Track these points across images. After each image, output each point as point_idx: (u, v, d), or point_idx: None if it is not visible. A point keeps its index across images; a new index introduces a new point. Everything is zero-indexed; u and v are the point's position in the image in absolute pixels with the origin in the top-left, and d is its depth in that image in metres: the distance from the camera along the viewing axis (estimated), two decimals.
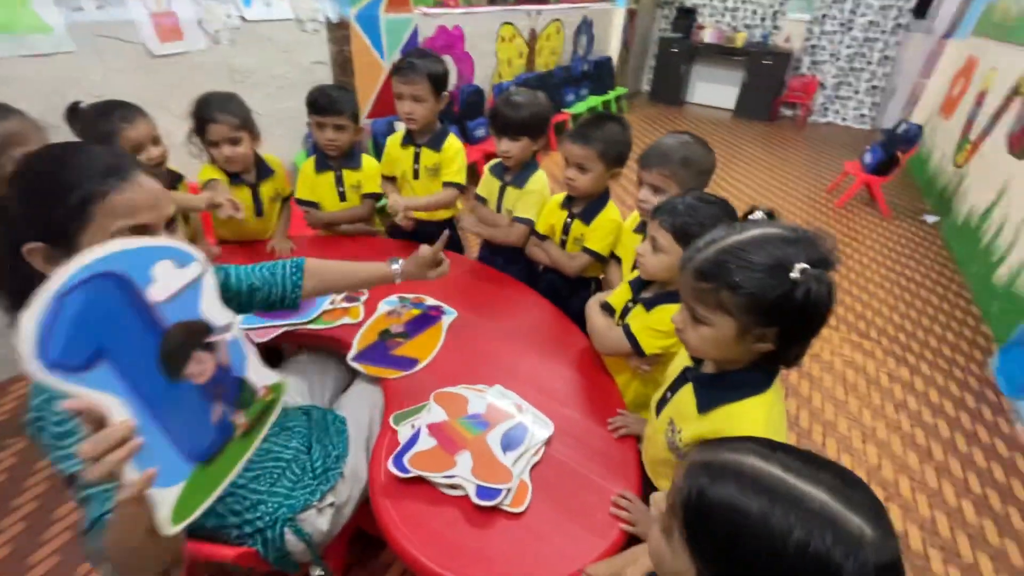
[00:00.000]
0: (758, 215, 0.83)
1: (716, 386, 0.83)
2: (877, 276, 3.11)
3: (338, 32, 2.80)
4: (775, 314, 0.71)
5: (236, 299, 1.02)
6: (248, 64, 2.48)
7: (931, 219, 3.89)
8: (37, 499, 1.52)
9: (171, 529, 0.59)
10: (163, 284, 0.63)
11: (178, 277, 0.65)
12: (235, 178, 1.64)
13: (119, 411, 0.55)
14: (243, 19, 2.38)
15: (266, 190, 1.70)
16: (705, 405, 0.83)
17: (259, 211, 1.70)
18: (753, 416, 0.77)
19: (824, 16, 6.20)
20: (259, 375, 0.79)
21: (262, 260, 1.57)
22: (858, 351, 2.44)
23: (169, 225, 0.79)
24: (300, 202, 1.79)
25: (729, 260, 0.72)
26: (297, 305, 1.10)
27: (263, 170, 1.70)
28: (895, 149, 3.76)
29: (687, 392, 0.87)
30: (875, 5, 5.92)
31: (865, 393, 2.19)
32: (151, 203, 0.75)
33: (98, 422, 0.53)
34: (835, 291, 0.71)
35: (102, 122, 1.35)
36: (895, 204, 4.17)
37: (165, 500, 0.60)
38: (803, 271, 0.68)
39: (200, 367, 0.68)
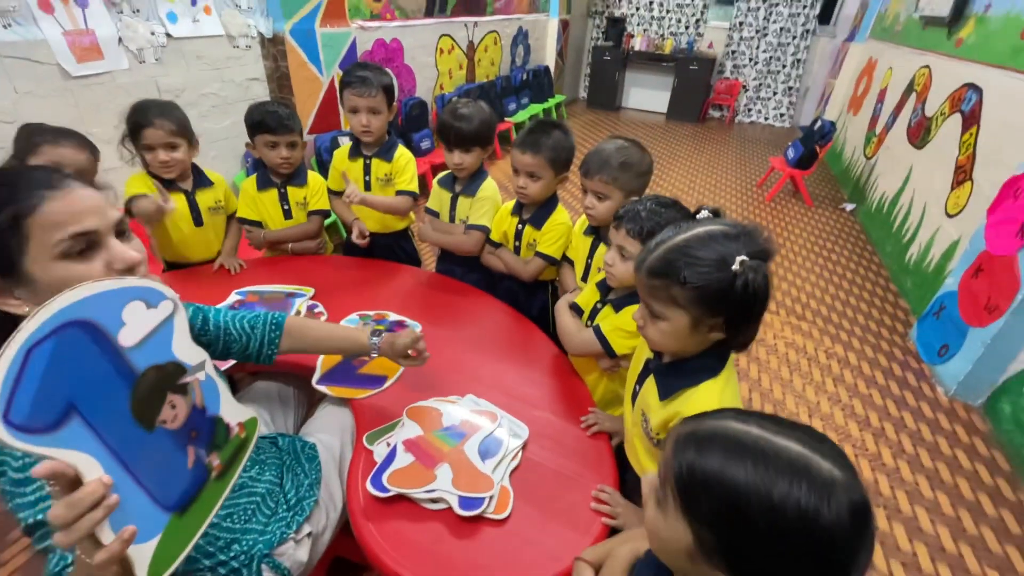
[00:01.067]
0: (704, 213, 0.90)
1: (673, 374, 0.88)
2: (808, 262, 3.35)
3: (273, 48, 2.72)
4: (720, 304, 0.77)
5: (211, 348, 0.97)
6: (177, 83, 2.36)
7: (849, 207, 4.24)
8: None
9: None
10: (134, 327, 0.60)
11: (149, 318, 0.63)
12: (170, 184, 1.56)
13: (92, 469, 0.52)
14: (169, 36, 2.27)
15: (203, 199, 1.63)
16: (665, 393, 0.88)
17: (197, 220, 1.63)
18: (708, 397, 0.83)
19: (741, 23, 6.65)
20: (232, 412, 0.77)
21: (211, 284, 1.54)
22: (798, 333, 2.62)
23: (121, 235, 0.73)
24: (242, 221, 1.72)
25: (677, 258, 0.78)
26: (271, 362, 1.05)
27: (201, 179, 1.64)
28: (813, 144, 4.08)
29: (650, 382, 0.92)
30: (785, 12, 6.42)
31: (807, 371, 2.36)
32: (92, 208, 0.69)
33: (70, 484, 0.50)
34: (771, 280, 0.78)
35: (35, 137, 1.28)
36: (817, 195, 4.51)
37: (143, 555, 0.57)
38: (742, 263, 0.74)
39: (173, 412, 0.65)
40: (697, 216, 0.91)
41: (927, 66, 3.53)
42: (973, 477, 1.85)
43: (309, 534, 0.96)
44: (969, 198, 2.57)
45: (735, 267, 0.74)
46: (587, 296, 1.29)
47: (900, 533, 1.64)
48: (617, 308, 1.18)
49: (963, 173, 2.69)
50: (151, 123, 1.45)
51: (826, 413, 2.12)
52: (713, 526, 0.48)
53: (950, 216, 2.71)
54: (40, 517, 0.64)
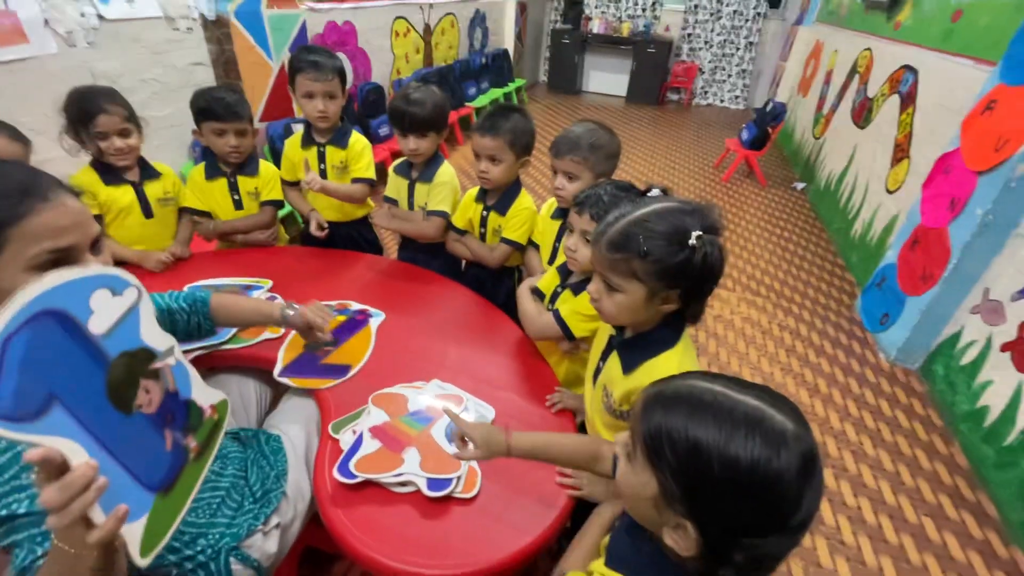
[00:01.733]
0: (655, 192, 0.93)
1: (635, 348, 0.92)
2: (762, 240, 3.49)
3: (217, 30, 2.59)
4: (679, 277, 0.80)
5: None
6: (113, 68, 2.23)
7: (800, 186, 4.42)
8: None
9: (144, 561, 0.60)
10: (102, 315, 0.61)
11: (116, 306, 0.64)
12: (116, 177, 1.51)
13: (78, 454, 0.53)
14: (101, 18, 2.13)
15: (152, 191, 1.57)
16: (628, 366, 0.91)
17: (147, 213, 1.57)
18: (668, 366, 0.87)
19: (696, 6, 6.75)
20: (203, 395, 0.80)
21: (165, 279, 1.49)
22: (752, 307, 2.74)
23: (95, 245, 0.73)
24: (189, 211, 1.66)
25: (638, 232, 0.80)
26: (214, 332, 1.11)
27: (148, 171, 1.57)
28: (766, 125, 4.22)
29: (614, 358, 0.95)
30: None
31: (761, 343, 2.47)
32: (76, 223, 0.69)
33: (58, 470, 0.50)
34: (726, 254, 0.81)
35: None
36: (771, 175, 4.68)
37: (133, 534, 0.60)
38: (699, 237, 0.77)
39: (148, 396, 0.67)
40: (648, 194, 0.93)
41: (869, 49, 3.69)
42: (911, 435, 2.00)
43: (277, 525, 0.95)
44: (907, 175, 2.72)
45: (692, 241, 0.77)
46: (548, 280, 1.32)
47: (846, 489, 1.76)
48: (576, 292, 1.20)
49: (901, 151, 2.85)
50: (104, 109, 1.39)
51: (779, 383, 2.23)
52: (676, 475, 0.51)
53: (890, 192, 2.87)
54: (3, 512, 0.62)
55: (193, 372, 0.79)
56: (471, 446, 0.85)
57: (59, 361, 0.55)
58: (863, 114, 3.53)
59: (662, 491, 0.53)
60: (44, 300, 0.53)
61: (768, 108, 4.30)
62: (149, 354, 0.69)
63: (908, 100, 2.90)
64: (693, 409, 0.52)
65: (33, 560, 0.62)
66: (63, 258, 0.69)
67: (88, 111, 1.39)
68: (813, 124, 4.70)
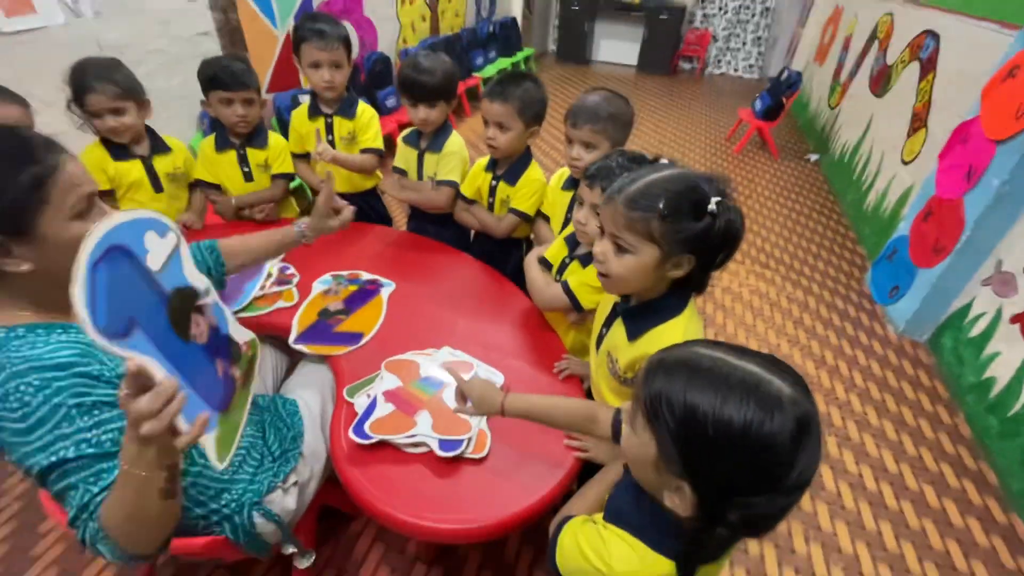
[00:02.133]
0: (665, 161, 0.91)
1: (640, 315, 0.92)
2: (773, 212, 3.45)
3: None
4: (696, 242, 0.79)
5: None
6: (120, 39, 2.21)
7: (813, 157, 4.33)
8: None
9: (222, 465, 0.73)
10: (155, 254, 0.68)
11: (163, 246, 0.70)
12: (125, 152, 1.51)
13: (158, 371, 0.60)
14: None
15: (161, 165, 1.58)
16: (633, 333, 0.92)
17: (157, 187, 1.58)
18: (673, 334, 0.87)
19: None
20: (238, 333, 0.88)
21: None
22: (761, 280, 2.73)
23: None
24: (200, 184, 1.67)
25: (659, 192, 0.79)
26: (223, 284, 1.12)
27: (158, 144, 1.58)
28: (780, 95, 4.11)
29: (619, 325, 0.96)
30: None
31: (769, 316, 2.47)
32: (86, 173, 0.75)
33: (144, 385, 0.57)
34: (744, 222, 0.80)
35: None
36: (783, 146, 4.59)
37: (209, 443, 0.71)
38: (719, 203, 0.77)
39: (199, 329, 0.75)
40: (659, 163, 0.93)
41: (890, 13, 3.56)
42: (915, 406, 2.01)
43: (295, 483, 1.00)
44: (923, 145, 2.66)
45: (712, 207, 0.76)
46: (556, 250, 1.32)
47: (848, 457, 1.79)
48: (584, 263, 1.21)
49: (919, 121, 2.78)
50: (92, 88, 1.37)
51: (786, 354, 2.24)
52: (673, 437, 0.53)
53: (905, 163, 2.82)
54: (54, 459, 0.66)
55: (228, 312, 0.86)
56: (469, 403, 0.89)
57: (132, 291, 0.63)
58: (881, 82, 3.43)
59: (661, 453, 0.55)
60: (113, 236, 0.60)
61: (783, 77, 4.19)
62: (193, 292, 0.76)
63: (928, 67, 2.82)
64: (692, 374, 0.54)
65: (92, 497, 0.67)
66: (90, 206, 0.75)
67: (80, 88, 1.37)
68: (829, 93, 4.57)
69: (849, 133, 3.80)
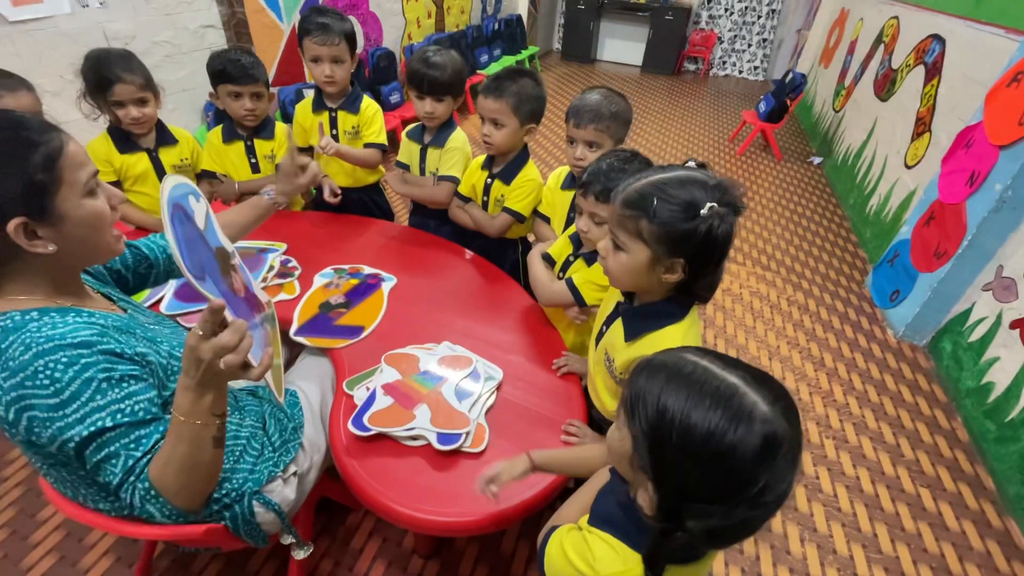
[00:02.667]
0: (691, 164, 0.89)
1: (640, 317, 0.93)
2: (775, 215, 3.45)
3: None
4: (682, 245, 0.79)
5: (158, 270, 1.07)
6: (126, 30, 2.22)
7: (816, 160, 4.33)
8: None
9: (283, 399, 0.89)
10: (199, 215, 0.76)
11: (201, 209, 0.78)
12: (131, 144, 1.53)
13: (228, 313, 0.67)
14: None
15: (168, 157, 1.59)
16: (631, 334, 0.92)
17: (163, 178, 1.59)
18: (669, 340, 0.87)
19: None
20: (260, 294, 0.98)
21: None
22: (762, 282, 2.74)
23: None
24: (206, 174, 1.68)
25: (653, 193, 0.80)
26: None
27: (164, 136, 1.59)
28: (784, 97, 4.11)
29: (618, 324, 0.97)
30: None
31: (769, 317, 2.48)
32: (85, 152, 0.76)
33: (222, 320, 0.65)
34: (735, 231, 0.80)
35: None
36: (787, 148, 4.59)
37: (269, 378, 0.79)
38: (711, 208, 0.77)
39: (237, 284, 0.83)
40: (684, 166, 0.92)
41: (896, 16, 3.55)
42: (913, 409, 2.02)
43: (295, 473, 1.00)
44: (927, 149, 2.66)
45: (704, 212, 0.76)
46: (560, 247, 1.32)
47: (846, 460, 1.79)
48: (590, 262, 1.21)
49: (923, 125, 2.77)
50: (120, 78, 1.39)
51: (785, 355, 2.25)
52: (644, 435, 0.54)
53: (908, 167, 2.81)
54: (92, 429, 0.68)
55: (249, 273, 0.95)
56: (494, 486, 0.83)
57: (195, 244, 0.71)
58: (886, 85, 3.42)
59: (634, 451, 0.56)
60: (174, 196, 0.69)
61: (788, 79, 4.18)
62: (227, 251, 0.84)
63: (933, 71, 2.81)
64: (671, 377, 0.55)
65: (135, 461, 0.71)
66: (98, 183, 0.76)
67: (105, 78, 1.39)
68: (833, 96, 4.57)
69: (853, 136, 3.80)
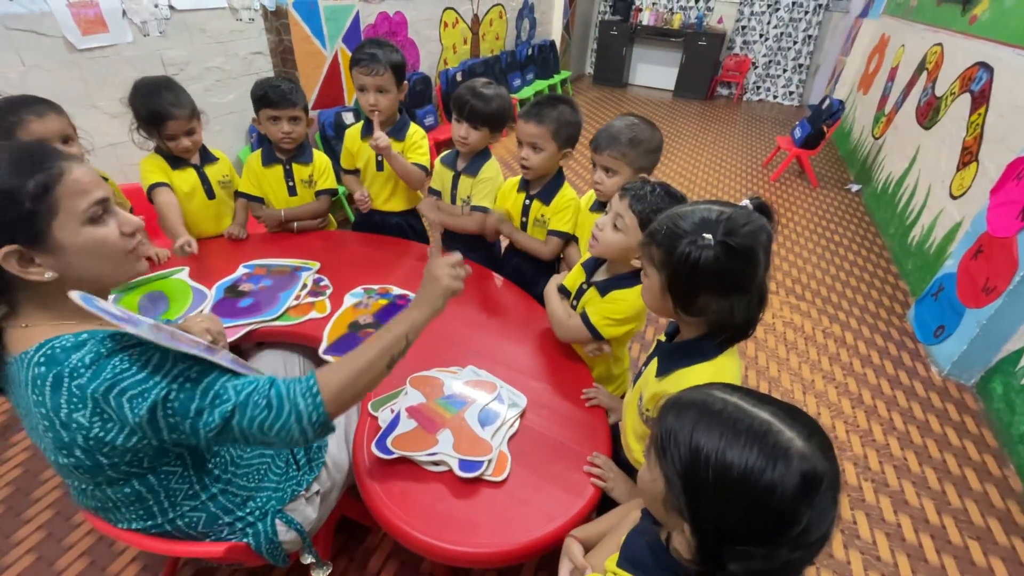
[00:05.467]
0: (745, 203, 0.86)
1: (673, 354, 0.91)
2: (810, 243, 3.36)
3: (276, 21, 2.70)
4: (666, 264, 0.82)
5: None
6: (181, 56, 2.36)
7: (854, 187, 4.21)
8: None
9: None
10: (113, 312, 0.73)
11: (108, 306, 0.73)
12: (180, 162, 1.62)
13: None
14: (172, 8, 2.26)
15: (213, 173, 1.68)
16: (662, 371, 0.91)
17: (210, 194, 1.68)
18: (698, 377, 0.85)
19: None
20: (200, 339, 0.95)
21: (222, 257, 1.58)
22: (796, 312, 2.65)
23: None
24: (243, 195, 1.75)
25: (665, 222, 0.83)
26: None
27: (207, 155, 1.68)
28: (821, 123, 4.03)
29: (653, 363, 0.95)
30: None
31: (803, 349, 2.39)
32: (97, 179, 0.74)
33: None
34: (738, 268, 0.77)
35: (7, 113, 1.25)
36: (823, 175, 4.48)
37: None
38: (702, 238, 0.77)
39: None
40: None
41: (940, 44, 3.46)
42: (961, 453, 1.90)
43: (317, 492, 1.01)
44: (974, 180, 2.56)
45: (700, 240, 0.77)
46: (573, 276, 1.32)
47: (886, 505, 1.70)
48: (603, 292, 1.20)
49: (969, 154, 2.67)
50: (172, 115, 1.49)
51: (820, 390, 2.16)
52: (678, 476, 0.53)
53: (954, 198, 2.71)
54: (181, 380, 0.71)
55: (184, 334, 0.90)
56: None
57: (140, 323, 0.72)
58: (929, 113, 3.32)
59: (668, 492, 0.54)
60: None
61: (825, 105, 4.11)
62: (158, 324, 0.81)
63: (980, 99, 2.72)
64: (701, 415, 0.54)
65: (244, 383, 0.73)
66: (106, 210, 0.74)
67: (158, 114, 1.48)
68: (873, 123, 4.46)
69: (893, 164, 3.68)
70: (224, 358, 0.78)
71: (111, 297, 1.18)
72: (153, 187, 1.57)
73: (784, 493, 0.48)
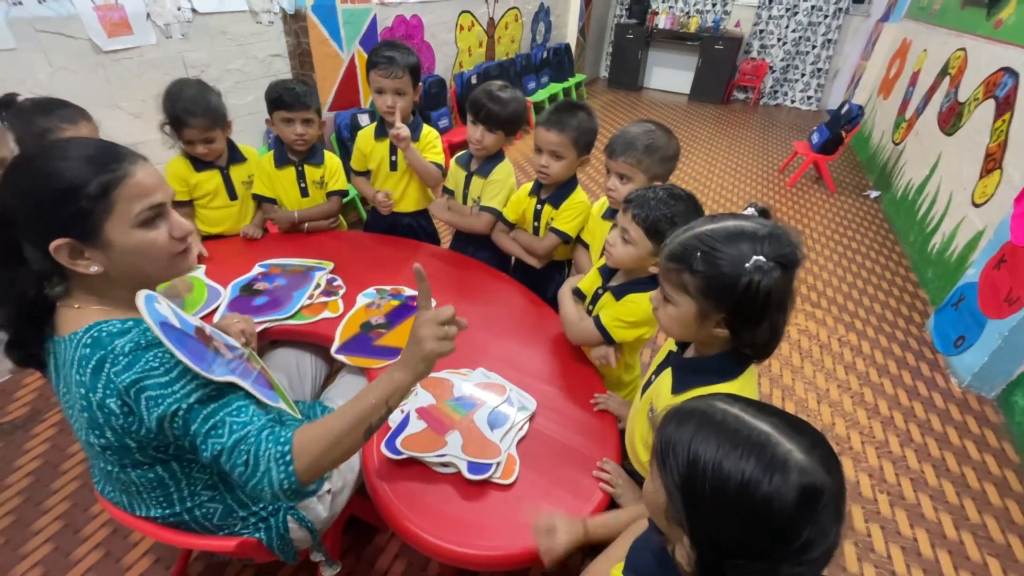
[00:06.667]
0: (750, 211, 0.85)
1: (691, 370, 0.89)
2: (827, 250, 3.31)
3: (295, 24, 2.74)
4: (722, 299, 0.76)
5: None
6: (202, 58, 2.41)
7: (873, 194, 4.14)
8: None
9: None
10: (171, 316, 0.78)
11: (167, 309, 0.78)
12: (205, 163, 1.65)
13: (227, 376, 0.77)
14: (195, 11, 2.30)
15: (237, 175, 1.71)
16: (679, 387, 0.88)
17: (232, 195, 1.72)
18: None
19: (770, 1, 6.42)
20: (231, 341, 0.96)
21: (238, 256, 1.61)
22: (811, 320, 2.61)
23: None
24: (257, 197, 1.78)
25: (697, 246, 0.78)
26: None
27: (234, 154, 1.71)
28: (840, 129, 3.97)
29: (667, 375, 0.93)
30: None
31: (818, 358, 2.36)
32: (159, 182, 0.77)
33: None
34: (789, 287, 0.75)
35: (40, 118, 1.29)
36: (841, 181, 4.42)
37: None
38: (757, 262, 0.73)
39: (220, 348, 0.85)
40: (743, 212, 0.88)
41: (963, 48, 3.40)
42: (980, 467, 1.85)
43: (329, 491, 1.02)
44: (997, 187, 2.50)
45: (748, 265, 0.73)
46: (590, 280, 1.32)
47: (902, 518, 1.66)
48: (617, 295, 1.19)
49: (993, 161, 2.62)
50: (188, 124, 1.53)
51: (835, 400, 2.12)
52: (677, 487, 0.52)
53: (976, 206, 2.65)
54: (197, 395, 0.73)
55: (218, 332, 0.93)
56: (554, 536, 0.83)
57: (185, 342, 0.75)
58: (951, 119, 3.26)
59: (668, 503, 0.54)
60: (156, 319, 0.71)
61: (843, 110, 4.05)
62: (201, 329, 0.85)
63: (1005, 106, 2.66)
64: (701, 425, 0.53)
65: (243, 428, 0.73)
66: (158, 215, 0.77)
67: (179, 119, 1.53)
68: (893, 128, 4.38)
69: (914, 171, 3.62)
70: (252, 375, 0.81)
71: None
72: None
73: (782, 506, 0.47)
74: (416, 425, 1.04)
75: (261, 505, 0.90)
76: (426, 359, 0.77)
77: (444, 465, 0.98)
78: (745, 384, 0.84)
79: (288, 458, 0.71)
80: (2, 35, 1.75)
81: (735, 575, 0.49)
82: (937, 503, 1.72)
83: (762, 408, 0.55)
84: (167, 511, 0.84)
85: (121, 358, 0.69)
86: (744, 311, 0.76)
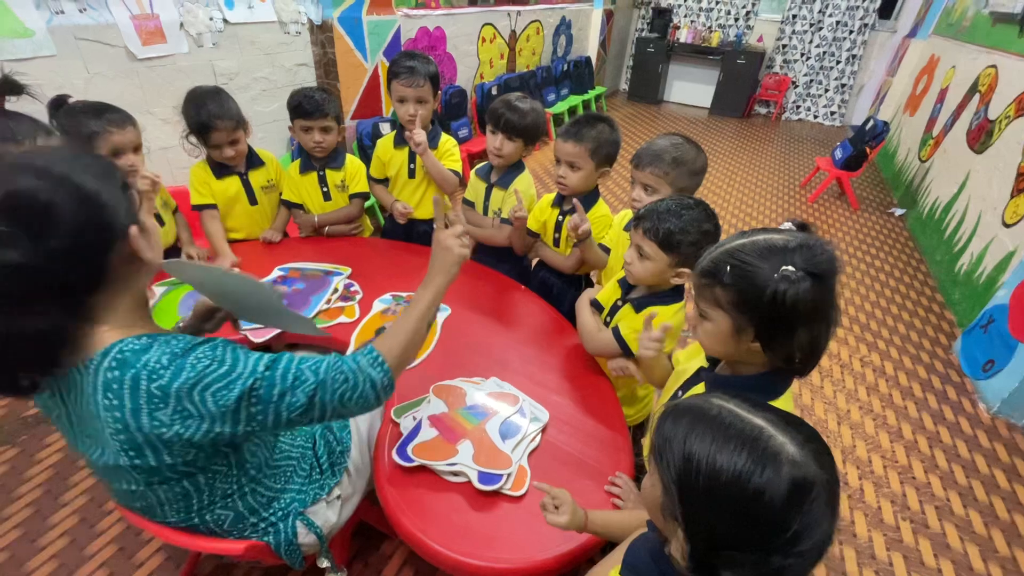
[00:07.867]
0: (787, 225, 0.82)
1: (728, 388, 0.84)
2: (849, 267, 3.24)
3: (321, 34, 2.80)
4: (753, 310, 0.74)
5: None
6: (231, 67, 2.47)
7: (898, 211, 4.05)
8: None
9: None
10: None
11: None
12: (226, 170, 1.68)
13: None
14: (226, 21, 2.38)
15: (256, 179, 1.74)
16: None
17: (252, 200, 1.75)
18: None
19: (794, 16, 6.39)
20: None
21: (257, 259, 1.64)
22: (832, 339, 2.55)
23: None
24: (285, 203, 1.82)
25: (728, 261, 0.77)
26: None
27: (253, 160, 1.74)
28: (864, 145, 3.91)
29: (699, 390, 0.90)
30: (842, 5, 6.12)
31: (839, 378, 2.30)
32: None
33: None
34: (823, 297, 0.72)
35: (91, 121, 1.34)
36: (864, 198, 4.34)
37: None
38: (786, 271, 0.71)
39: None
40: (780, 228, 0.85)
41: (994, 66, 3.33)
42: (1010, 498, 1.78)
43: (338, 497, 1.02)
44: None
45: (776, 275, 0.71)
46: (608, 292, 1.31)
47: (926, 548, 1.60)
48: (637, 308, 1.18)
49: None
50: (215, 127, 1.56)
51: (856, 421, 2.07)
52: (673, 481, 0.53)
53: (1007, 226, 2.57)
54: (266, 360, 0.75)
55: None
56: (559, 513, 0.84)
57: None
58: (981, 137, 3.18)
59: (665, 499, 0.55)
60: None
61: (868, 126, 3.99)
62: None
63: None
64: (695, 421, 0.54)
65: (318, 361, 0.78)
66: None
67: (204, 124, 1.55)
68: (920, 146, 4.30)
69: (941, 188, 3.54)
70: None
71: (158, 291, 1.33)
72: (200, 207, 1.68)
73: (772, 499, 0.48)
74: (428, 433, 1.04)
75: (272, 511, 0.90)
76: (457, 261, 0.93)
77: (455, 474, 0.97)
78: (783, 405, 0.81)
79: (380, 359, 0.82)
80: (44, 42, 1.82)
81: (727, 567, 0.50)
82: (964, 533, 1.65)
83: (757, 404, 0.55)
84: (181, 516, 0.84)
85: (163, 371, 0.67)
86: (773, 322, 0.74)
